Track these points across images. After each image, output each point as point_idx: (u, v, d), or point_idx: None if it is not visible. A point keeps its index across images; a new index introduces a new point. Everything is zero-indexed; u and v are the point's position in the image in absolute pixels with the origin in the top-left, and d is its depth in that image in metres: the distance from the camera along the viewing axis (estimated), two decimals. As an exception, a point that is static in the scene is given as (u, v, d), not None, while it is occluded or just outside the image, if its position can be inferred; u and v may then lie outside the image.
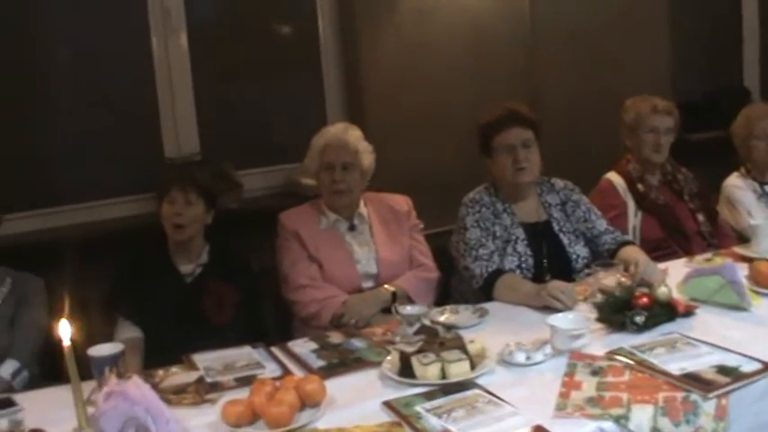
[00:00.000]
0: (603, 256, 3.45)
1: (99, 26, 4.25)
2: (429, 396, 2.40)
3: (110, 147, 4.32)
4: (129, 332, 3.36)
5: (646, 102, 4.00)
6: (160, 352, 3.10)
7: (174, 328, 3.29)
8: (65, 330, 2.25)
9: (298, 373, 2.69)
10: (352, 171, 3.55)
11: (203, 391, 2.60)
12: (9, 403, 2.66)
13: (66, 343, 2.25)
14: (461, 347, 2.56)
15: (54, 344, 3.26)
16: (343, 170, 3.53)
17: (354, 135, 3.61)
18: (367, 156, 3.60)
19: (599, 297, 3.01)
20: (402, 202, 3.73)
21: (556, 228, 3.51)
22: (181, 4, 4.30)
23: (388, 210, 3.68)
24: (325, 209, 3.60)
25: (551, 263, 3.44)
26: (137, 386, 2.32)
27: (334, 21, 4.61)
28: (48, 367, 3.35)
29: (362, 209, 3.64)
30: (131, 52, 4.32)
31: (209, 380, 2.67)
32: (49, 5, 4.16)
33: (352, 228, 3.61)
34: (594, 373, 2.50)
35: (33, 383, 3.20)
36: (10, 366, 3.15)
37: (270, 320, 3.72)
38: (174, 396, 2.59)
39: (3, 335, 3.22)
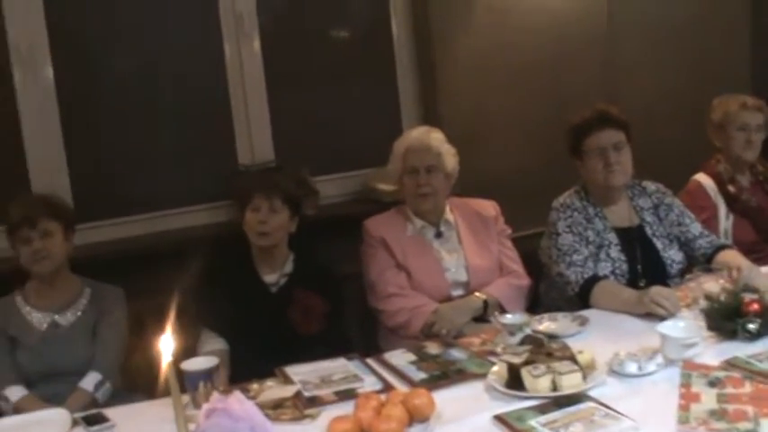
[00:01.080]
0: (699, 261, 3.35)
1: (172, 34, 4.20)
2: (541, 409, 2.30)
3: (183, 155, 4.27)
4: (214, 344, 3.30)
5: (734, 99, 3.90)
6: (246, 364, 3.04)
7: (260, 339, 3.23)
8: (166, 345, 2.18)
9: (398, 385, 2.61)
10: (437, 174, 3.46)
11: (302, 405, 2.52)
12: (101, 419, 2.61)
13: (168, 359, 2.17)
14: (572, 358, 2.46)
15: (133, 356, 3.28)
16: (428, 173, 3.45)
17: (437, 138, 3.53)
18: (450, 158, 3.51)
19: (703, 303, 2.88)
20: (489, 207, 3.63)
21: (649, 232, 3.41)
22: (253, 9, 4.23)
23: (474, 215, 3.59)
24: (411, 215, 3.52)
25: (645, 268, 3.33)
26: (239, 402, 2.25)
27: (407, 23, 4.51)
28: (129, 380, 3.31)
29: (449, 215, 3.55)
30: (204, 59, 4.26)
31: (306, 394, 2.59)
32: (120, 14, 4.12)
33: (439, 234, 3.52)
34: (712, 384, 2.38)
35: (116, 396, 3.16)
36: (93, 378, 3.12)
37: (353, 330, 3.65)
38: (272, 411, 2.51)
39: (85, 346, 3.18)
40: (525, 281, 3.53)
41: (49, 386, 3.12)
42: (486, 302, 3.37)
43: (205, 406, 2.29)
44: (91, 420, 2.61)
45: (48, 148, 4.01)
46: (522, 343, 2.67)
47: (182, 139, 4.26)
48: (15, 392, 3.07)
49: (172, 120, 4.24)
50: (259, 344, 3.20)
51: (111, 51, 4.15)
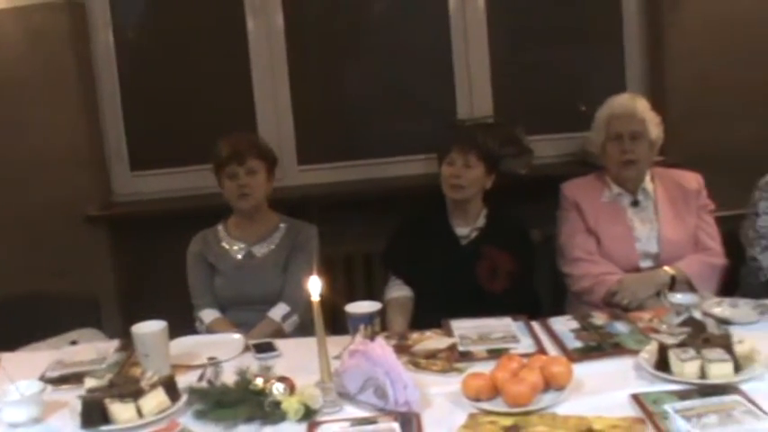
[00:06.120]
0: None
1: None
2: (683, 396, 2.21)
3: (405, 105, 4.40)
4: (399, 291, 3.43)
5: None
6: (428, 313, 3.11)
7: (444, 290, 3.31)
8: (314, 285, 2.30)
9: (551, 351, 2.60)
10: (641, 141, 3.36)
11: (453, 359, 2.58)
12: (269, 348, 2.79)
13: (315, 298, 2.30)
14: (727, 347, 2.34)
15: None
16: (632, 140, 3.35)
17: (642, 104, 3.42)
18: (654, 127, 3.39)
19: None
20: (692, 179, 3.47)
21: None
22: (479, -35, 4.26)
23: (675, 187, 3.45)
24: (609, 181, 3.45)
25: None
26: (380, 347, 2.34)
27: (636, -18, 4.35)
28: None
29: (648, 184, 3.44)
30: (429, 13, 4.34)
31: (461, 348, 2.65)
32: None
33: (635, 203, 3.42)
34: None
35: (305, 329, 3.33)
36: (281, 310, 3.30)
37: (545, 292, 3.64)
38: (423, 360, 2.59)
39: (275, 278, 3.36)
40: (720, 260, 3.35)
41: (240, 312, 3.35)
42: (673, 278, 3.24)
43: (351, 347, 2.41)
44: (261, 348, 2.80)
45: (275, 91, 4.27)
46: (683, 324, 2.57)
47: (403, 90, 4.39)
48: (209, 315, 3.34)
49: (394, 71, 4.37)
50: (443, 295, 3.28)
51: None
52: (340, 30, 4.34)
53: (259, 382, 2.35)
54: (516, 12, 4.38)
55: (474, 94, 4.33)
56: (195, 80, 4.33)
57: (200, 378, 2.57)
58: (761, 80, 4.08)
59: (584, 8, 4.43)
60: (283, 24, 4.23)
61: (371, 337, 2.52)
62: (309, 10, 4.33)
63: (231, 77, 4.32)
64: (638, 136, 3.36)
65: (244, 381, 2.38)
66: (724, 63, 4.13)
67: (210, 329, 3.28)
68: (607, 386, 2.33)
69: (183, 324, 3.29)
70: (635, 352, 2.51)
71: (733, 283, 3.39)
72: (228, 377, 2.49)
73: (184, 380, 2.52)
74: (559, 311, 3.23)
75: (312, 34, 4.32)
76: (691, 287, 3.18)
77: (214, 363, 2.68)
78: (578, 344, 2.64)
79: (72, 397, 2.40)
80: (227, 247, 3.43)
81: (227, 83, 4.33)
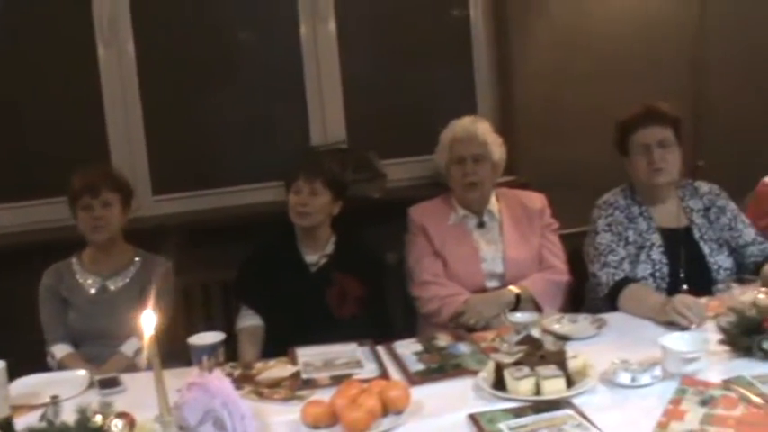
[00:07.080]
0: (750, 269, 3.19)
1: (249, 12, 4.32)
2: (518, 413, 2.26)
3: (259, 133, 4.40)
4: (250, 320, 3.42)
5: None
6: (280, 342, 3.10)
7: (295, 318, 3.30)
8: (148, 320, 2.27)
9: (394, 375, 2.63)
10: (484, 163, 3.45)
11: (296, 386, 2.58)
12: (114, 383, 2.75)
13: (150, 332, 2.27)
14: (560, 363, 2.41)
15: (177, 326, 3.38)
16: (474, 162, 3.44)
17: (483, 127, 3.51)
18: (497, 148, 3.49)
19: (731, 316, 2.74)
20: (536, 199, 3.58)
21: (696, 235, 3.27)
22: (329, -9, 4.32)
23: (520, 207, 3.55)
24: (455, 204, 3.52)
25: (689, 273, 3.21)
26: (218, 379, 2.33)
27: (486, 11, 4.46)
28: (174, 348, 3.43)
29: (493, 205, 3.53)
30: (280, 39, 4.37)
31: (304, 376, 2.65)
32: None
33: (480, 224, 3.50)
34: (704, 402, 2.27)
35: (166, 361, 3.28)
36: (133, 344, 3.25)
37: (399, 315, 3.68)
38: (267, 390, 2.59)
39: (129, 312, 3.27)
40: (564, 277, 3.46)
41: (94, 347, 3.29)
42: (518, 296, 3.33)
43: (188, 380, 2.39)
44: (105, 383, 2.75)
45: (128, 121, 4.19)
46: (521, 343, 2.63)
47: (257, 118, 4.38)
48: (61, 350, 3.28)
49: (248, 98, 4.35)
50: (294, 323, 3.28)
51: (190, 28, 4.30)
52: (193, 58, 4.30)
53: (98, 419, 2.31)
54: (368, 37, 4.46)
55: (327, 120, 4.36)
56: (46, 109, 4.20)
57: (42, 418, 2.51)
58: (602, 100, 4.24)
59: (435, 32, 4.53)
60: (135, 52, 4.16)
61: (212, 369, 2.51)
62: (161, 38, 4.27)
63: (83, 107, 4.21)
64: (481, 159, 3.45)
65: (83, 419, 2.33)
66: (568, 84, 4.31)
67: (62, 365, 3.22)
68: (446, 407, 2.37)
69: (36, 360, 3.23)
70: (475, 372, 2.56)
71: (579, 299, 3.50)
72: (69, 415, 2.43)
73: (24, 421, 2.46)
74: (412, 334, 3.28)
75: (165, 62, 4.27)
76: (536, 305, 3.26)
77: (56, 401, 2.62)
78: (420, 366, 2.68)
79: None
80: (80, 280, 3.38)
81: (78, 112, 4.22)
